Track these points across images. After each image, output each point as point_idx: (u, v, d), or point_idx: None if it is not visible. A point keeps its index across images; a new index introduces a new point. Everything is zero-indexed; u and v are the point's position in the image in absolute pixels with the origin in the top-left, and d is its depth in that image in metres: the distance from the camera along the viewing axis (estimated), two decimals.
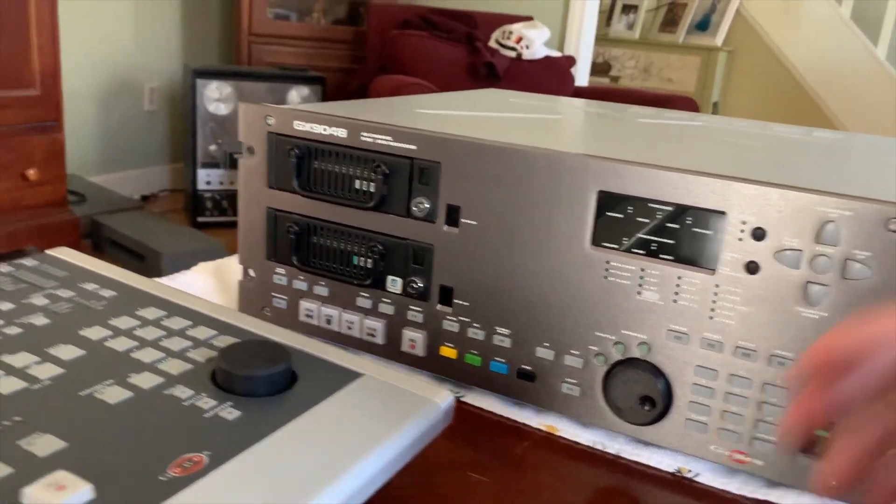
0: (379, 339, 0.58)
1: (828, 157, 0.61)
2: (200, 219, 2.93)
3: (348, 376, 0.43)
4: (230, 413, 0.37)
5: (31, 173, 2.18)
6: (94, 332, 0.43)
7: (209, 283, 0.72)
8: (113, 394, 0.37)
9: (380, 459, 0.37)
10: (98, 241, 2.48)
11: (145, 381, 0.39)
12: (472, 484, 0.46)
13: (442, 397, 0.42)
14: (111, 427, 0.35)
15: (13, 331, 0.42)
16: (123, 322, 0.45)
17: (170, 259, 2.14)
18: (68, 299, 0.47)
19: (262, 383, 0.39)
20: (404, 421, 0.39)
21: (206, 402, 0.38)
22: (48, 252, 0.54)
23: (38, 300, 0.46)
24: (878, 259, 0.42)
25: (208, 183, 2.92)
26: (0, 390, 0.37)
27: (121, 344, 0.42)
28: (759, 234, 0.44)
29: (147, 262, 2.21)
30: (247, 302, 0.64)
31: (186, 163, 3.06)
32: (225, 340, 0.44)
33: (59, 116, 2.23)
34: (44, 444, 0.33)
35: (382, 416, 0.39)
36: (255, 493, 0.32)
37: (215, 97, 2.81)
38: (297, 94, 2.91)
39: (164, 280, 0.72)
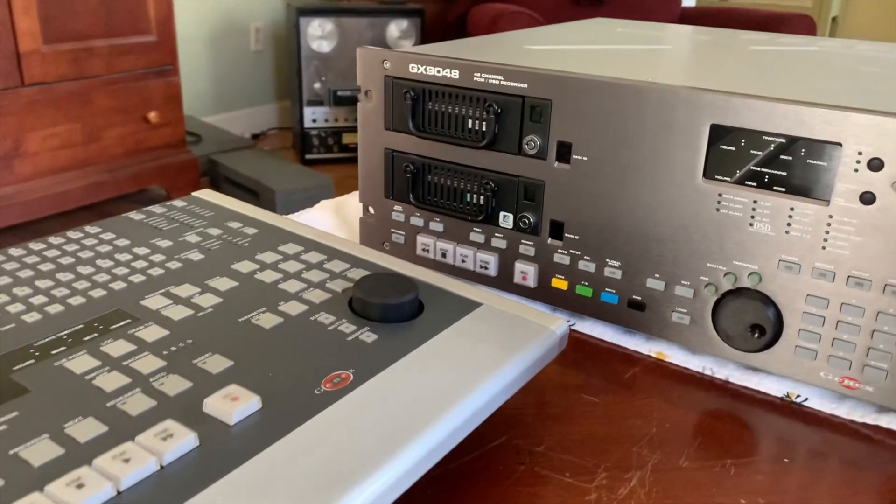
0: (492, 272, 0.61)
1: None
2: (308, 156, 3.03)
3: (469, 306, 0.46)
4: (369, 337, 0.42)
5: (152, 116, 2.31)
6: (244, 266, 0.48)
7: (331, 220, 0.77)
8: (267, 319, 0.42)
9: (501, 380, 0.40)
10: (215, 179, 2.61)
11: (293, 308, 0.44)
12: (583, 405, 0.50)
13: (557, 325, 0.45)
14: (269, 348, 0.40)
15: (175, 265, 0.48)
16: (268, 257, 0.50)
17: (283, 196, 2.25)
18: (217, 237, 0.53)
19: (395, 310, 0.43)
20: (522, 345, 0.43)
21: (347, 327, 0.42)
22: (193, 194, 0.60)
23: (192, 238, 0.52)
24: None
25: (314, 121, 3.00)
26: (172, 316, 0.42)
27: (268, 276, 0.47)
28: (875, 165, 0.44)
29: (262, 198, 2.32)
30: (368, 237, 0.68)
31: (293, 101, 3.15)
32: (357, 273, 0.49)
33: (174, 60, 2.34)
34: (214, 363, 0.38)
35: (502, 341, 0.43)
36: (397, 406, 0.36)
37: (318, 34, 2.87)
38: (396, 28, 2.93)
39: (292, 217, 0.77)
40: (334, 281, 0.47)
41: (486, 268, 0.62)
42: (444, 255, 0.64)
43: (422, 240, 0.64)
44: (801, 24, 2.51)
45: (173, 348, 0.39)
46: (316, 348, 0.40)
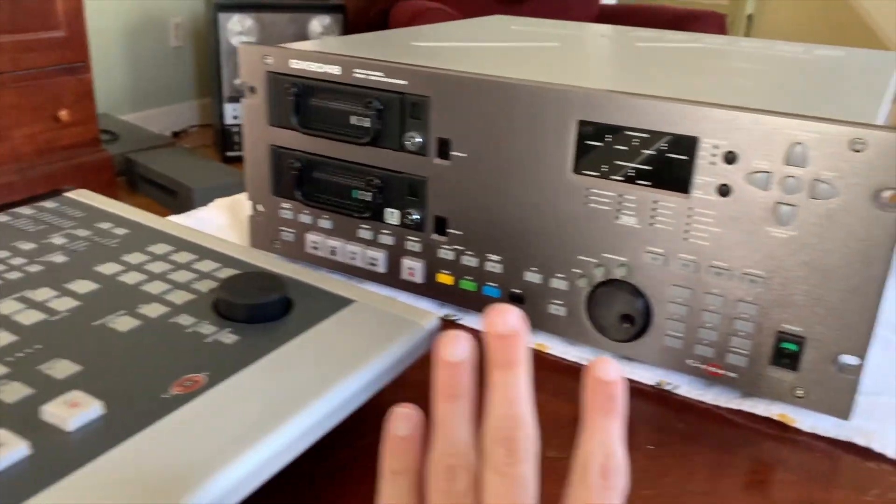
0: (381, 268, 0.61)
1: (814, 77, 0.62)
2: (229, 153, 2.98)
3: (341, 303, 0.46)
4: (228, 338, 0.41)
5: (63, 114, 2.23)
6: (108, 268, 0.47)
7: (224, 219, 0.76)
8: (123, 323, 0.41)
9: (362, 377, 0.40)
10: (132, 179, 2.54)
11: (153, 310, 0.43)
12: None
13: (427, 320, 0.45)
14: (121, 352, 0.39)
15: (35, 268, 0.46)
16: (134, 258, 0.49)
17: (200, 194, 2.20)
18: (85, 238, 0.51)
19: (259, 310, 0.43)
20: (388, 341, 0.43)
21: (206, 329, 0.42)
22: (66, 194, 0.58)
23: (58, 239, 0.50)
24: (843, 178, 0.43)
25: (235, 117, 2.95)
26: (22, 322, 0.41)
27: (132, 278, 0.46)
28: (730, 158, 0.46)
29: (179, 197, 2.27)
30: (257, 236, 0.67)
31: (213, 98, 3.08)
32: (227, 272, 0.48)
33: (85, 57, 2.27)
34: (61, 368, 0.37)
35: (368, 338, 0.43)
36: (249, 407, 0.36)
37: (237, 30, 2.82)
38: (318, 24, 2.90)
39: (181, 216, 0.76)
40: (201, 281, 0.46)
41: (374, 264, 0.61)
42: (333, 253, 0.63)
43: (311, 237, 0.64)
44: (713, 22, 2.58)
45: (20, 354, 0.38)
46: (171, 351, 0.39)
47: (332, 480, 0.43)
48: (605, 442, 0.26)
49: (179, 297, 0.44)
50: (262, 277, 0.45)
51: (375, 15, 2.76)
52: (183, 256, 0.49)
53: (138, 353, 0.39)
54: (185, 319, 0.42)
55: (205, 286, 0.46)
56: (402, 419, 0.28)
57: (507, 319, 0.26)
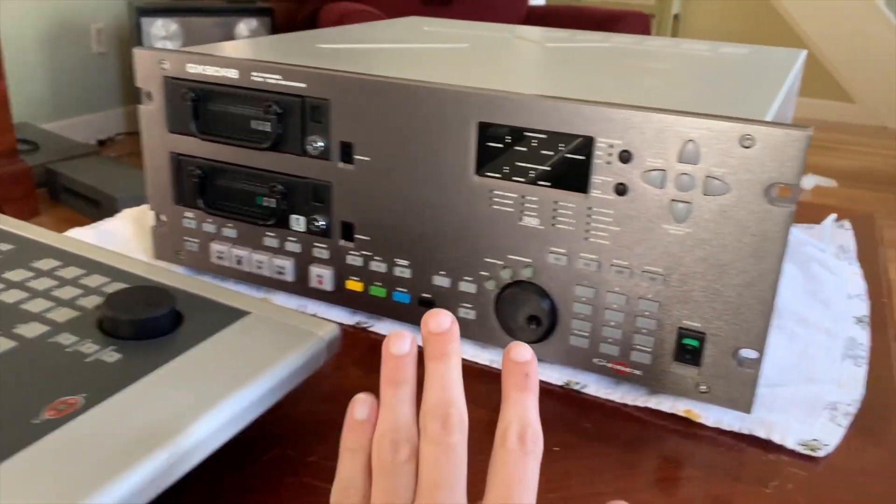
0: (289, 277, 0.60)
1: (713, 75, 0.63)
2: None
3: (235, 315, 0.45)
4: (111, 356, 0.39)
5: None
6: None
7: (131, 230, 0.73)
8: None
9: (254, 390, 0.39)
10: (54, 190, 2.45)
11: (31, 330, 0.41)
12: None
13: (325, 330, 0.44)
14: None
15: None
16: (16, 274, 0.46)
17: (125, 204, 2.13)
18: None
19: (145, 326, 0.41)
20: (282, 353, 0.41)
21: (88, 348, 0.40)
22: None
23: None
24: (735, 174, 0.44)
25: None
26: None
27: (11, 296, 0.44)
28: (625, 157, 0.46)
29: (103, 208, 2.19)
30: (161, 247, 0.65)
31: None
32: (116, 287, 0.46)
33: None
34: None
35: (261, 350, 0.41)
36: (127, 429, 0.34)
37: (162, 35, 2.75)
38: (245, 27, 2.85)
39: (84, 229, 0.73)
40: (87, 297, 0.44)
41: (282, 273, 0.60)
42: (239, 262, 0.61)
43: (216, 247, 0.62)
44: (638, 23, 2.63)
45: None
46: (47, 373, 0.37)
47: (225, 500, 0.41)
48: (522, 414, 0.30)
49: (62, 315, 0.42)
50: (149, 291, 0.43)
51: (303, 18, 2.73)
52: (70, 272, 0.47)
53: (10, 376, 0.37)
54: (65, 339, 0.40)
55: (90, 302, 0.44)
56: (361, 404, 0.32)
57: (440, 320, 0.32)
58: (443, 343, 0.32)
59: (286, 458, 0.44)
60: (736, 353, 0.47)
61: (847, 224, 0.82)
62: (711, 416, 0.49)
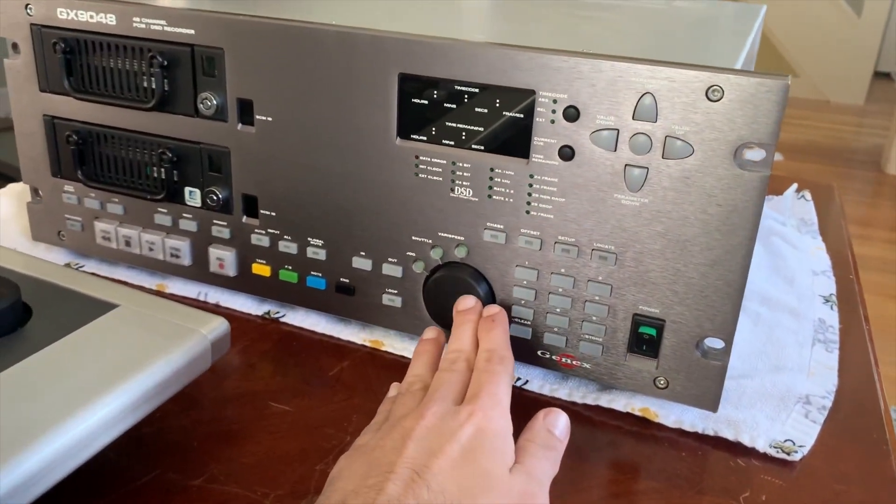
0: (185, 261, 0.51)
1: (670, 25, 0.56)
2: None
3: (99, 308, 0.36)
4: None
5: None
6: None
7: (12, 208, 0.63)
8: None
9: (118, 400, 0.31)
10: None
11: None
12: (270, 416, 0.41)
13: (211, 326, 0.36)
14: None
15: None
16: None
17: None
18: None
19: None
20: (155, 355, 0.33)
21: None
22: None
23: None
24: (699, 133, 0.37)
25: None
26: None
27: None
28: (572, 114, 0.39)
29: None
30: (38, 227, 0.56)
31: None
32: None
33: None
34: None
35: (128, 352, 0.33)
36: None
37: None
38: None
39: None
40: None
41: (178, 256, 0.51)
42: (128, 244, 0.53)
43: (101, 226, 0.53)
44: None
45: None
46: None
47: None
48: (489, 346, 0.38)
49: None
50: None
51: None
52: None
53: None
54: None
55: None
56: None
57: (470, 303, 0.42)
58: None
59: (166, 483, 0.36)
60: (700, 342, 0.41)
61: (808, 195, 0.76)
62: (671, 415, 0.42)
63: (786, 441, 0.41)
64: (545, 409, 0.37)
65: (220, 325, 0.37)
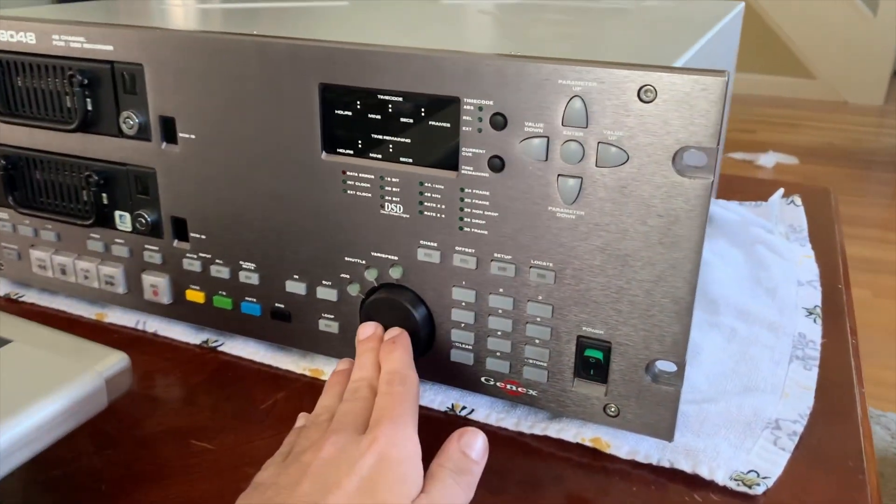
0: (119, 288, 0.49)
1: (620, 26, 0.53)
2: None
3: None
4: None
5: None
6: None
7: None
8: None
9: None
10: None
11: None
12: (190, 455, 0.38)
13: (107, 363, 0.34)
14: None
15: None
16: None
17: None
18: None
19: None
20: (40, 395, 0.31)
21: None
22: None
23: None
24: (633, 138, 0.33)
25: None
26: None
27: None
28: (498, 122, 0.36)
29: None
30: None
31: None
32: None
33: None
34: None
35: (12, 392, 0.31)
36: None
37: None
38: None
39: None
40: None
41: (112, 283, 0.49)
42: (63, 272, 0.50)
43: (36, 254, 0.51)
44: None
45: None
46: None
47: None
48: (389, 367, 0.36)
49: None
50: None
51: None
52: None
53: None
54: None
55: None
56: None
57: (370, 331, 0.40)
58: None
59: None
60: (650, 365, 0.37)
61: (798, 200, 0.72)
62: (624, 445, 0.39)
63: (749, 472, 0.37)
64: (460, 430, 0.34)
65: (118, 362, 0.34)
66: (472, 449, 0.34)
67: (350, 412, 0.34)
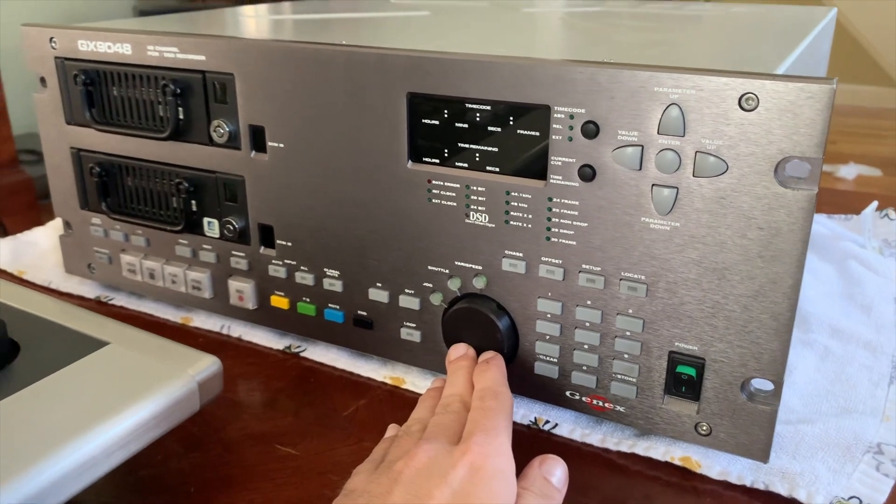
0: (206, 293, 0.50)
1: (714, 32, 0.51)
2: None
3: (90, 346, 0.35)
4: None
5: None
6: None
7: (53, 240, 0.64)
8: None
9: (92, 443, 0.29)
10: None
11: None
12: (274, 459, 0.39)
13: (199, 367, 0.34)
14: None
15: None
16: None
17: None
18: None
19: None
20: (137, 398, 0.31)
21: None
22: None
23: None
24: (734, 148, 0.32)
25: None
26: None
27: None
28: (590, 130, 0.35)
29: None
30: (71, 259, 0.55)
31: None
32: None
33: None
34: None
35: (106, 395, 0.31)
36: None
37: None
38: None
39: (7, 240, 0.64)
40: None
41: (198, 288, 0.50)
42: (152, 277, 0.52)
43: (126, 259, 0.52)
44: None
45: None
46: None
47: None
48: (483, 385, 0.36)
49: None
50: None
51: None
52: None
53: None
54: None
55: None
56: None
57: (461, 351, 0.40)
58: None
59: None
60: (745, 383, 0.36)
61: (892, 213, 0.69)
62: (716, 464, 0.37)
63: (850, 498, 0.35)
64: (541, 456, 0.34)
65: (210, 365, 0.34)
66: (553, 476, 0.33)
67: (442, 424, 0.33)
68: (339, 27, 0.52)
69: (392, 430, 0.38)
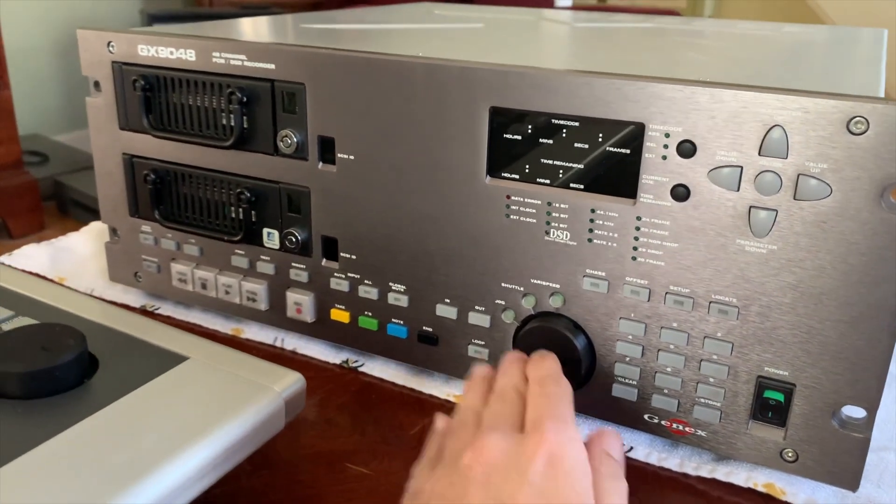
0: (261, 305, 0.49)
1: (789, 51, 0.51)
2: None
3: (168, 361, 0.34)
4: None
5: None
6: None
7: (92, 247, 0.63)
8: None
9: (186, 464, 0.28)
10: (62, 202, 2.37)
11: None
12: (347, 479, 0.38)
13: (284, 383, 0.33)
14: None
15: None
16: None
17: None
18: None
19: (38, 380, 0.30)
20: (225, 415, 0.30)
21: None
22: None
23: None
24: (838, 171, 0.32)
25: None
26: None
27: None
28: (687, 150, 0.34)
29: None
30: (116, 267, 0.54)
31: None
32: (19, 322, 0.35)
33: (3, 73, 2.11)
34: None
35: (199, 410, 0.31)
36: None
37: None
38: None
39: (40, 245, 0.62)
40: None
41: (254, 300, 0.49)
42: (204, 287, 0.51)
43: (177, 268, 0.51)
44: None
45: None
46: None
47: None
48: (539, 374, 0.34)
49: None
50: (50, 331, 0.33)
51: None
52: None
53: None
54: None
55: None
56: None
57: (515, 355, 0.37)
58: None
59: None
60: (837, 410, 0.35)
61: None
62: (801, 492, 0.37)
63: None
64: (596, 433, 0.32)
65: (295, 382, 0.34)
66: (615, 450, 0.31)
67: (502, 413, 0.31)
68: (397, 38, 0.51)
69: (441, 420, 0.35)
